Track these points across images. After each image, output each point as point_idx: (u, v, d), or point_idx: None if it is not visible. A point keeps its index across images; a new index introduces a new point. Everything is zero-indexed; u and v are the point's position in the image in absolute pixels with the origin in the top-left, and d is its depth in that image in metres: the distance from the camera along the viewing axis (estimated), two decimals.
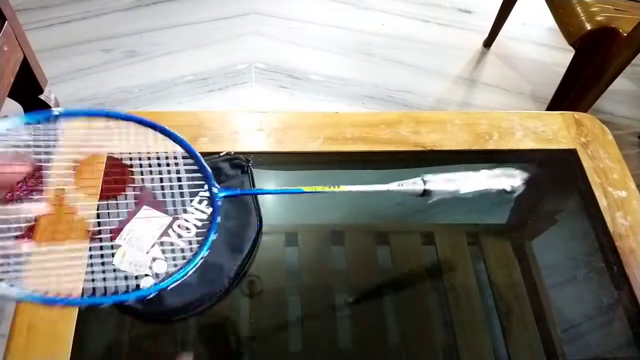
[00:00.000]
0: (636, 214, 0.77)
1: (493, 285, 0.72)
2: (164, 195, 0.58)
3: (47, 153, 0.51)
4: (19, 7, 1.80)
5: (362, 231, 0.76)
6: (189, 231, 0.68)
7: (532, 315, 0.70)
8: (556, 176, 0.86)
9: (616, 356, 0.69)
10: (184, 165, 0.56)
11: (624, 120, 1.74)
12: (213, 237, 0.53)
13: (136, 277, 0.58)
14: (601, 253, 0.75)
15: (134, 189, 0.61)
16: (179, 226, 0.69)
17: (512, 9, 1.75)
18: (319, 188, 0.56)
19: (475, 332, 0.68)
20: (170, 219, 0.69)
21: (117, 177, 0.55)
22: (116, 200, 0.62)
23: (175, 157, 0.56)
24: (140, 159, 0.57)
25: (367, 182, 0.86)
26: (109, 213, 0.62)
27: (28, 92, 1.32)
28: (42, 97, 1.34)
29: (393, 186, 0.59)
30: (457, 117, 0.87)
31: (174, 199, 0.57)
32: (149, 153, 0.56)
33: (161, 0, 1.94)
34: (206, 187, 0.56)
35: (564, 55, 1.65)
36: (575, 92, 1.43)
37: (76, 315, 0.63)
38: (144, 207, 0.67)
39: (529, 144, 0.85)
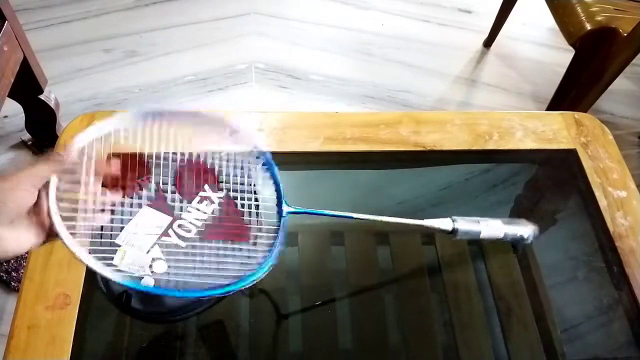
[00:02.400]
0: (636, 214, 0.77)
1: (493, 285, 0.72)
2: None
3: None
4: (19, 7, 1.79)
5: (362, 231, 0.76)
6: (188, 231, 0.68)
7: (532, 315, 0.70)
8: (556, 176, 0.86)
9: (616, 356, 0.69)
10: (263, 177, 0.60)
11: (624, 120, 1.74)
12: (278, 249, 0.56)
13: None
14: (601, 253, 0.75)
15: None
16: (179, 226, 0.69)
17: (512, 9, 1.75)
18: (365, 216, 0.61)
19: (475, 332, 0.68)
20: (170, 219, 0.69)
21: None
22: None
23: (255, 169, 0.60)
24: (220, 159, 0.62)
25: (367, 182, 0.86)
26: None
27: (28, 92, 1.32)
28: (42, 97, 1.34)
29: (427, 222, 0.65)
30: (457, 117, 0.87)
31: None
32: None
33: (161, 0, 1.94)
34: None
35: (564, 55, 1.65)
36: (575, 92, 1.43)
37: (76, 315, 0.63)
38: (144, 206, 0.66)
39: (529, 144, 0.85)
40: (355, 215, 0.60)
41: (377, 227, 0.69)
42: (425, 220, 0.65)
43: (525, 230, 0.70)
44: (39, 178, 0.44)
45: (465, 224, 0.66)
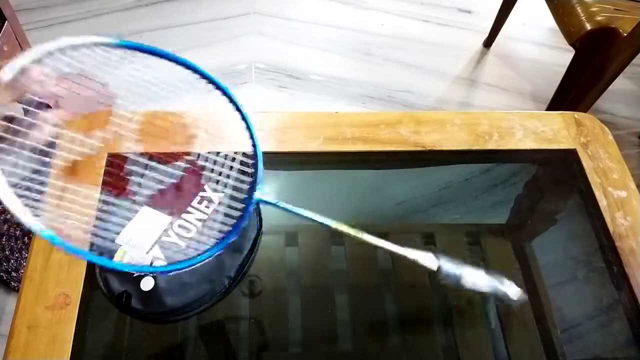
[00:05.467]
0: (636, 214, 0.77)
1: None
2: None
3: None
4: (19, 7, 1.79)
5: (363, 231, 0.76)
6: (188, 231, 0.69)
7: (532, 315, 0.70)
8: (556, 176, 0.86)
9: (616, 356, 0.69)
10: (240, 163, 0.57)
11: (624, 120, 1.74)
12: (233, 238, 0.50)
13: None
14: (601, 253, 0.75)
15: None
16: (179, 226, 0.69)
17: (512, 9, 1.75)
18: (346, 229, 0.57)
19: (475, 332, 0.68)
20: (170, 219, 0.69)
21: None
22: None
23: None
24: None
25: (367, 182, 0.86)
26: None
27: None
28: None
29: (410, 253, 0.58)
30: (457, 117, 0.87)
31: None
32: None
33: (161, 0, 1.94)
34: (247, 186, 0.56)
35: (564, 55, 1.65)
36: (575, 92, 1.43)
37: (76, 315, 0.63)
38: (144, 206, 0.67)
39: (529, 144, 0.85)
40: (333, 224, 0.56)
41: (377, 227, 0.69)
42: (408, 250, 0.59)
43: (507, 291, 0.60)
44: None
45: (449, 266, 0.58)
